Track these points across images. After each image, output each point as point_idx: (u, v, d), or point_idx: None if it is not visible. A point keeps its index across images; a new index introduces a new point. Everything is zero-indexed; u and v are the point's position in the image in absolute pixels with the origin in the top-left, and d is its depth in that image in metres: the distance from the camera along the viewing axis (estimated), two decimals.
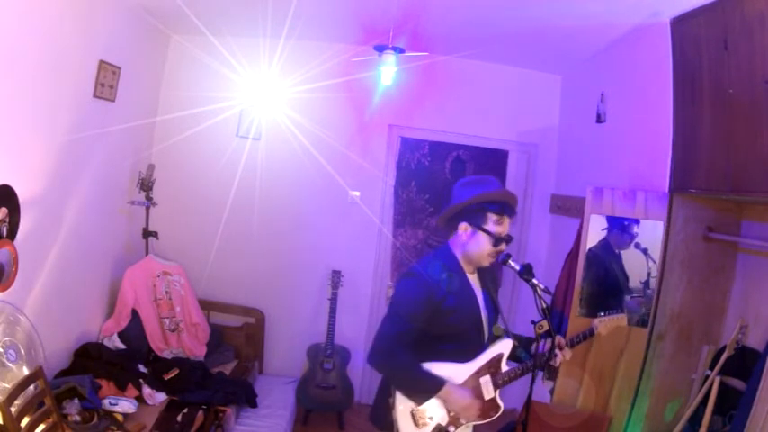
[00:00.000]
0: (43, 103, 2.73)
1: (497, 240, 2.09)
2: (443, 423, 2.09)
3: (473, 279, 2.20)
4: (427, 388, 2.05)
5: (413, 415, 2.08)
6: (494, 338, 2.22)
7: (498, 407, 2.14)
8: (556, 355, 2.12)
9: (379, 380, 2.27)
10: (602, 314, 2.22)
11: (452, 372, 2.10)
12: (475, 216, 2.10)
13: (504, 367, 2.16)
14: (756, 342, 2.50)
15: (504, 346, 2.18)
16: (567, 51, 3.82)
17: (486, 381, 2.13)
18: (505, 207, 2.11)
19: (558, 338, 2.15)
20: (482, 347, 2.17)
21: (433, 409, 2.09)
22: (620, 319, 2.20)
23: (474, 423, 2.16)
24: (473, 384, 2.12)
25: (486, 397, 2.12)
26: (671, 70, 2.81)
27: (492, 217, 2.09)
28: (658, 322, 2.78)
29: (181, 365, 3.50)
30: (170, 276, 3.90)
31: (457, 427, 2.11)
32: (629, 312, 2.86)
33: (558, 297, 3.40)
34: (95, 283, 3.54)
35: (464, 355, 2.13)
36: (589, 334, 2.18)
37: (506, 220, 2.11)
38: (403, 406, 2.09)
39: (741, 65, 2.29)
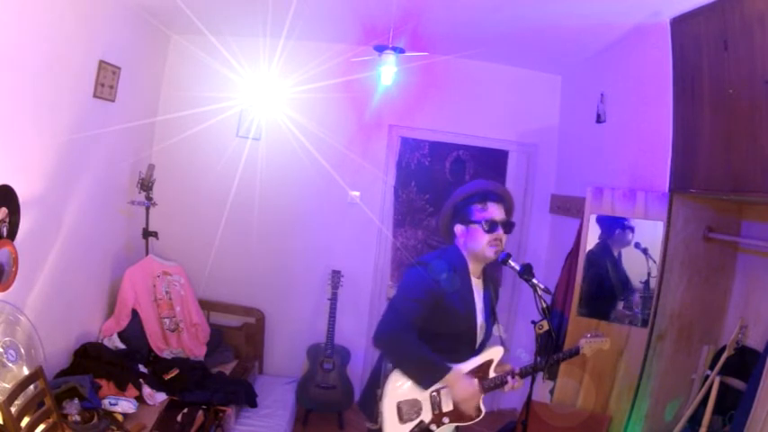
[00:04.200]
0: (43, 104, 2.73)
1: (490, 226, 2.10)
2: (426, 420, 2.10)
3: (477, 284, 2.20)
4: (435, 370, 2.04)
5: (398, 409, 2.09)
6: (486, 345, 2.23)
7: (480, 411, 2.14)
8: (506, 382, 2.12)
9: (370, 372, 2.28)
10: (588, 335, 2.26)
11: None
12: (462, 214, 2.16)
13: (492, 374, 2.17)
14: (756, 342, 2.50)
15: (495, 353, 2.19)
16: (567, 51, 3.82)
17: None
18: (487, 194, 2.15)
19: (512, 368, 2.17)
20: (473, 352, 2.18)
21: (419, 405, 2.10)
22: (603, 343, 2.24)
23: (455, 424, 2.16)
24: None
25: None
26: (671, 70, 2.81)
27: (476, 207, 2.13)
28: (658, 322, 2.78)
29: (181, 365, 3.50)
30: (170, 276, 3.90)
31: (439, 426, 2.12)
32: (628, 313, 2.87)
33: (558, 297, 3.40)
34: (95, 283, 3.54)
35: (454, 357, 2.13)
36: (574, 353, 2.21)
37: (492, 206, 2.13)
38: (389, 399, 2.10)
39: (741, 65, 2.29)
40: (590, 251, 2.98)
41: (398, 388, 2.10)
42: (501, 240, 2.12)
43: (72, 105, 2.98)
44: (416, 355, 2.04)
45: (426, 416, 2.10)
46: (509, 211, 2.21)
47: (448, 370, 2.04)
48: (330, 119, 4.22)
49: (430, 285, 2.07)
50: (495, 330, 2.25)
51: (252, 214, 4.14)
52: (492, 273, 2.30)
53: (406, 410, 2.09)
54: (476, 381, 2.09)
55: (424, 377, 2.06)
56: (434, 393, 2.11)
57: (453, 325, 2.11)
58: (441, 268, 2.11)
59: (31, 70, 2.58)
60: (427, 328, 2.07)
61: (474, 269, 2.19)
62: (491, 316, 2.24)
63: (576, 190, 3.81)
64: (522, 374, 2.12)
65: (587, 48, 3.68)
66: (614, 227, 2.93)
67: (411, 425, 2.09)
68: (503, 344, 2.24)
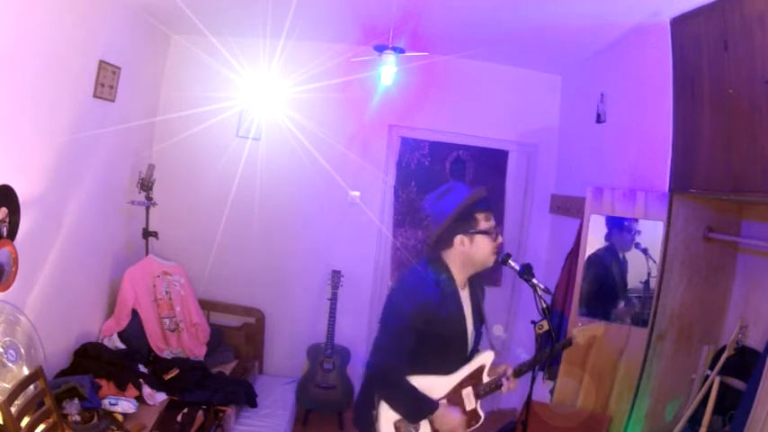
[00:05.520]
0: (43, 104, 2.72)
1: (495, 235, 2.09)
2: None
3: (463, 294, 2.16)
4: (422, 410, 2.07)
5: (396, 428, 2.09)
6: (478, 350, 2.23)
7: (479, 416, 2.15)
8: (501, 384, 2.12)
9: (359, 391, 2.28)
10: (580, 324, 2.22)
11: (436, 384, 2.11)
12: (466, 224, 2.07)
13: (486, 378, 2.17)
14: (756, 342, 2.50)
15: (486, 358, 2.19)
16: (567, 51, 3.82)
17: (468, 392, 2.14)
18: (487, 201, 2.12)
19: (506, 367, 2.17)
20: (465, 360, 2.17)
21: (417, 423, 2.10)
22: (596, 328, 2.19)
23: None
24: (456, 396, 2.13)
25: (468, 408, 2.14)
26: (671, 70, 2.81)
27: (480, 216, 2.07)
28: (658, 322, 2.78)
29: (181, 365, 3.50)
30: (170, 276, 3.90)
31: None
32: (628, 314, 2.87)
33: (558, 297, 3.40)
34: (95, 283, 3.54)
35: (446, 367, 2.14)
36: (567, 344, 2.18)
37: (491, 214, 2.11)
38: (386, 418, 2.09)
39: (741, 65, 2.29)
40: (594, 252, 2.97)
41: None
42: (500, 246, 2.11)
43: (72, 105, 2.98)
44: (405, 394, 2.06)
45: (426, 429, 2.10)
46: None
47: (435, 407, 2.05)
48: (330, 119, 4.22)
49: (415, 309, 2.00)
50: (496, 330, 2.25)
51: (252, 214, 4.14)
52: (476, 275, 2.23)
53: (404, 428, 2.09)
54: (459, 414, 2.08)
55: (413, 415, 2.08)
56: None
57: (444, 340, 2.09)
58: (426, 287, 2.04)
59: (31, 70, 2.58)
60: (418, 345, 2.04)
61: (461, 279, 2.14)
62: (480, 322, 2.21)
63: (576, 190, 3.81)
64: (516, 374, 2.13)
65: (587, 48, 3.68)
66: (620, 229, 2.93)
67: None
68: (497, 346, 2.23)
